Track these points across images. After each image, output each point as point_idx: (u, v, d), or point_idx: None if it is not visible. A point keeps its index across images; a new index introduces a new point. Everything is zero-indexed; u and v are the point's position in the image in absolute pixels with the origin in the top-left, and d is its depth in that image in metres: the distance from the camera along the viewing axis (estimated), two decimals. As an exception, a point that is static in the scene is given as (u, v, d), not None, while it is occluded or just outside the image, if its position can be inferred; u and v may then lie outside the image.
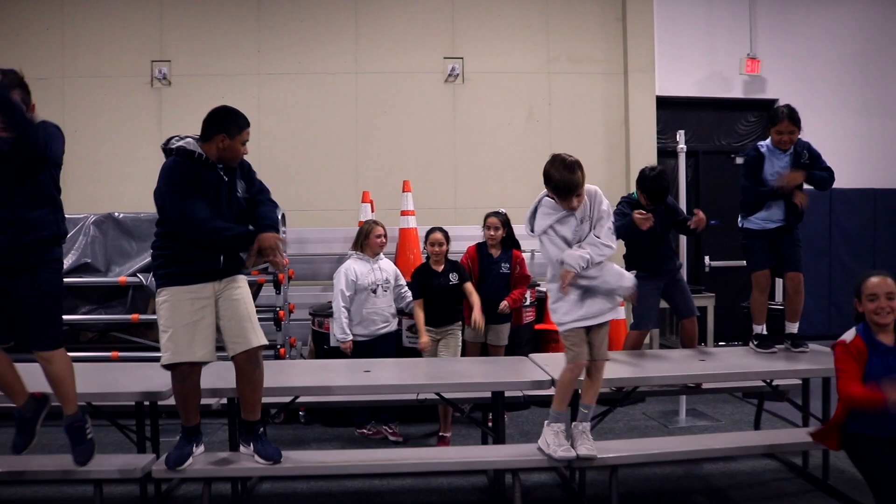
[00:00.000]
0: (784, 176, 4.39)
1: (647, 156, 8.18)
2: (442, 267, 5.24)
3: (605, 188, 8.33)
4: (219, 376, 3.73)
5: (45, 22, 8.18)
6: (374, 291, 5.28)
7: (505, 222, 5.44)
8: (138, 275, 5.76)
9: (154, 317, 5.77)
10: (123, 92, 8.17)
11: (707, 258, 8.84)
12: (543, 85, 8.40)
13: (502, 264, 5.37)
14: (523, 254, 5.58)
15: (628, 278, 3.57)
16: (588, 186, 3.49)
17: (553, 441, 3.45)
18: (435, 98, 8.30)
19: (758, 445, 4.08)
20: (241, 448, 3.55)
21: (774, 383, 4.55)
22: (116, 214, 6.04)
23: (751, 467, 4.68)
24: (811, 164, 4.52)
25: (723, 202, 8.73)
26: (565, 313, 3.46)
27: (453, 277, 5.23)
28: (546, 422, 3.53)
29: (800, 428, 4.64)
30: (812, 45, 8.80)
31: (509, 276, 5.39)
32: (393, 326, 5.41)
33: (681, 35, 8.55)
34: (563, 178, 3.36)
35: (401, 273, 5.57)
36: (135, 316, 5.80)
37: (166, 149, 3.43)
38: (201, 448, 3.51)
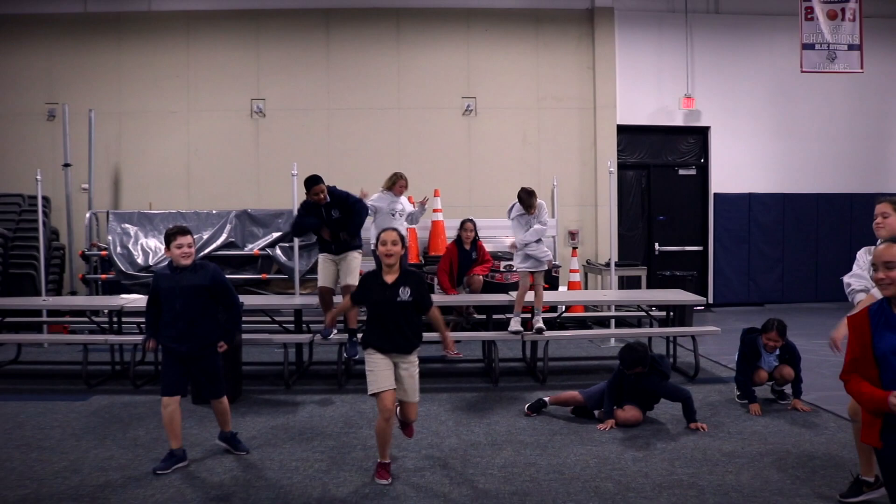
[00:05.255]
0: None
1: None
2: (394, 277, 4.22)
3: (577, 194, 11.85)
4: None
5: (174, 67, 11.37)
6: (393, 215, 7.78)
7: (475, 226, 8.27)
8: (267, 249, 8.97)
9: (277, 276, 9.00)
10: (231, 122, 11.36)
11: (657, 244, 11.89)
12: (534, 117, 11.54)
13: (473, 253, 8.28)
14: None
15: (548, 255, 6.71)
16: (539, 201, 6.60)
17: (512, 324, 6.69)
18: (455, 127, 11.47)
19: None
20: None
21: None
22: (249, 210, 9.26)
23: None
24: None
25: (668, 203, 11.85)
26: (518, 263, 6.65)
27: (404, 293, 4.19)
28: (511, 317, 6.71)
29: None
30: (736, 85, 11.83)
31: (477, 260, 8.28)
32: None
33: (636, 79, 11.64)
34: (526, 201, 6.49)
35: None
36: (264, 275, 9.01)
37: None
38: (335, 331, 6.72)
